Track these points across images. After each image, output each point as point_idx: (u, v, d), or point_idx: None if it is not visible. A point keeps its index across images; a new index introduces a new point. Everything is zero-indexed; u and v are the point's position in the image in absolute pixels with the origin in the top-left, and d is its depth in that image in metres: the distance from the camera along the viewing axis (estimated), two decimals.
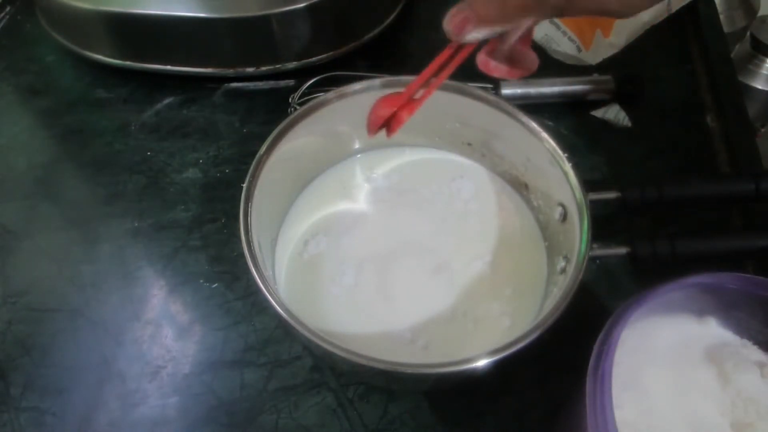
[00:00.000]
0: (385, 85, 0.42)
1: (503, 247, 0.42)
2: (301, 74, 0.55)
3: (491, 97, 0.41)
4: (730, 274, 0.30)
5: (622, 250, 0.36)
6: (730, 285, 0.30)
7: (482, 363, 0.30)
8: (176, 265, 0.45)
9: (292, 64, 0.54)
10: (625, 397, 0.29)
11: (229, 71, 0.55)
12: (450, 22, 0.28)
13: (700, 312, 0.32)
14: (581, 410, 0.27)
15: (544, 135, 0.39)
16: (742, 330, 0.32)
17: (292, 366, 0.40)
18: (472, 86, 0.41)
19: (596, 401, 0.25)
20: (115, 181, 0.50)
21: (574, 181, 0.37)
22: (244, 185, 0.37)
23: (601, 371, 0.26)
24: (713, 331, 0.32)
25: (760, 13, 0.71)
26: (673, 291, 0.29)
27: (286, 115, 0.40)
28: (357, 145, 0.47)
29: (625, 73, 0.53)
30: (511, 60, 0.31)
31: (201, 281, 0.44)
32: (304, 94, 0.52)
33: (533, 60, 0.31)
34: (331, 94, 0.41)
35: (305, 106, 0.41)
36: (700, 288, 0.30)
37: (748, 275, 0.30)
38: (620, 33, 0.55)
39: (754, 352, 0.31)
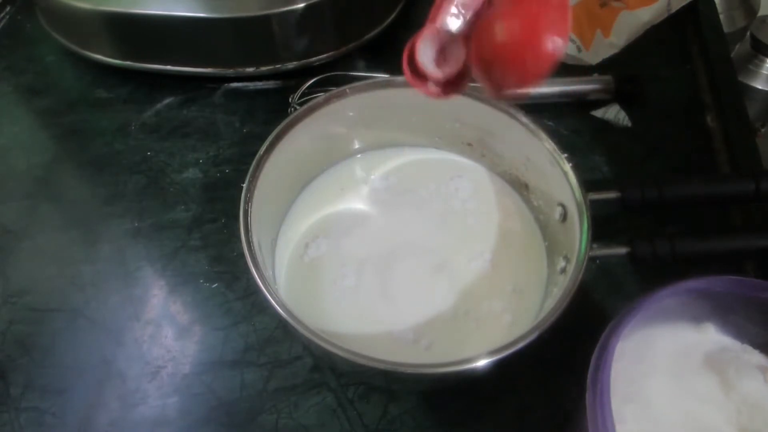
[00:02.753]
0: (385, 85, 0.42)
1: (503, 246, 0.42)
2: (301, 74, 0.55)
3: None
4: (722, 278, 0.29)
5: (622, 250, 0.36)
6: (722, 288, 0.29)
7: (482, 363, 0.30)
8: (176, 265, 0.45)
9: (292, 64, 0.54)
10: (627, 410, 0.29)
11: (229, 71, 0.55)
12: None
13: (697, 318, 0.32)
14: (585, 423, 0.26)
15: (544, 135, 0.39)
16: (741, 334, 0.32)
17: (292, 366, 0.40)
18: (472, 86, 0.41)
19: (597, 417, 0.25)
20: (115, 181, 0.50)
21: (574, 181, 0.37)
22: (244, 185, 0.37)
23: (600, 386, 0.26)
24: (712, 337, 0.32)
25: (760, 13, 0.71)
26: (667, 298, 0.29)
27: (286, 115, 0.40)
28: (357, 146, 0.47)
29: (625, 73, 0.53)
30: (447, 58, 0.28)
31: (201, 281, 0.44)
32: (304, 94, 0.52)
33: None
34: (331, 94, 0.41)
35: (305, 106, 0.41)
36: (693, 294, 0.30)
37: (741, 277, 0.29)
38: (620, 33, 0.55)
39: (755, 356, 0.31)
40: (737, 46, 0.72)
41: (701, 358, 0.31)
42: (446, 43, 0.28)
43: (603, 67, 0.55)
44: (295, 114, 0.40)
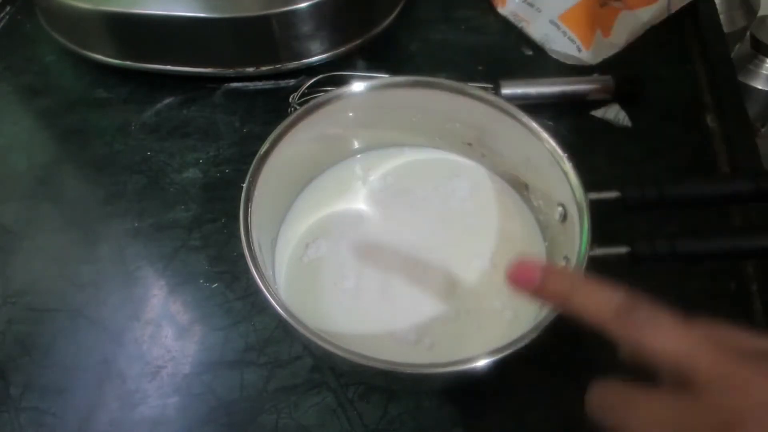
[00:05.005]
0: (385, 85, 0.42)
1: (504, 246, 0.42)
2: (301, 74, 0.55)
3: (491, 97, 0.41)
4: None
5: (622, 250, 0.36)
6: None
7: (482, 363, 0.30)
8: (176, 265, 0.45)
9: (292, 64, 0.54)
10: None
11: (229, 71, 0.55)
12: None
13: None
14: None
15: (544, 135, 0.39)
16: None
17: (292, 366, 0.40)
18: (472, 86, 0.41)
19: None
20: (115, 181, 0.50)
21: (574, 181, 0.37)
22: (244, 185, 0.37)
23: None
24: None
25: (760, 13, 0.71)
26: None
27: (286, 115, 0.40)
28: (357, 146, 0.47)
29: (625, 73, 0.53)
30: None
31: (201, 281, 0.44)
32: (304, 94, 0.52)
33: None
34: (331, 94, 0.41)
35: (305, 106, 0.41)
36: None
37: None
38: (620, 33, 0.55)
39: None
40: (737, 46, 0.72)
41: None
42: None
43: (603, 67, 0.55)
44: (295, 114, 0.40)
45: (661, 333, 0.23)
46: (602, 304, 0.24)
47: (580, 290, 0.25)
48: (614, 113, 0.52)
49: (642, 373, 0.24)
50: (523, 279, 0.27)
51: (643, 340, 0.23)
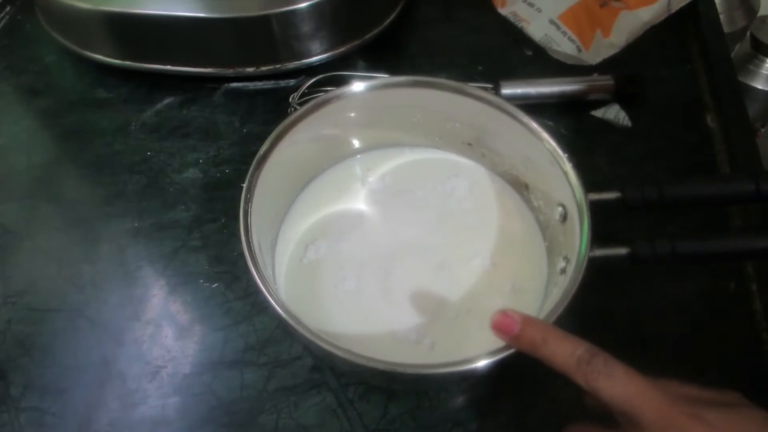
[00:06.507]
0: (385, 85, 0.42)
1: (503, 246, 0.42)
2: (301, 74, 0.55)
3: (491, 97, 0.41)
4: None
5: (622, 250, 0.36)
6: None
7: (482, 363, 0.30)
8: (176, 265, 0.45)
9: (292, 64, 0.54)
10: None
11: (229, 71, 0.55)
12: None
13: None
14: None
15: (544, 135, 0.39)
16: None
17: (292, 366, 0.40)
18: (472, 86, 0.41)
19: None
20: (115, 181, 0.50)
21: (574, 181, 0.37)
22: (244, 185, 0.37)
23: None
24: None
25: (760, 13, 0.71)
26: None
27: (286, 115, 0.40)
28: (357, 146, 0.47)
29: (625, 73, 0.53)
30: None
31: (201, 281, 0.44)
32: (304, 94, 0.52)
33: None
34: (331, 94, 0.41)
35: (305, 106, 0.41)
36: None
37: None
38: (620, 33, 0.55)
39: None
40: (737, 46, 0.72)
41: None
42: None
43: (603, 67, 0.55)
44: (295, 114, 0.40)
45: (612, 381, 0.27)
46: (566, 354, 0.28)
47: (549, 341, 0.29)
48: (614, 113, 0.52)
49: (606, 416, 0.28)
50: (503, 327, 0.30)
51: (598, 387, 0.27)
